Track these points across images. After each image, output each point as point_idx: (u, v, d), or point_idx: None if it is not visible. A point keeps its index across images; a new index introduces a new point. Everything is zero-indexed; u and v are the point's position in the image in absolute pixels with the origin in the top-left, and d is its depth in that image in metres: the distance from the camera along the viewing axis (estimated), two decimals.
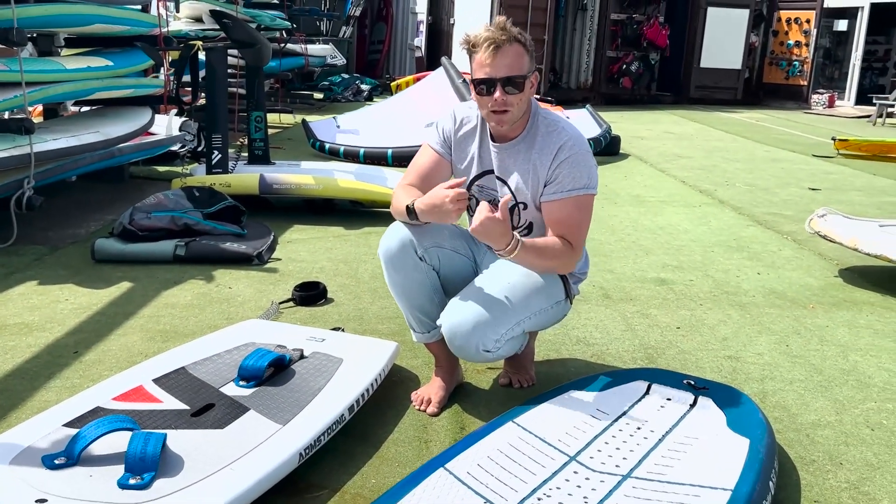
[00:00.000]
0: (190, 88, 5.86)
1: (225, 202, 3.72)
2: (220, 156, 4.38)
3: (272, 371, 2.02)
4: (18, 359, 2.34)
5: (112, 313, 2.74)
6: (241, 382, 1.96)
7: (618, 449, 1.71)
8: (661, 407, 1.93)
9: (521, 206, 2.05)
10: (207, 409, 1.82)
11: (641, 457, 1.68)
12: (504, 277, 1.98)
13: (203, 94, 5.15)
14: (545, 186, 1.99)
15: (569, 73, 13.90)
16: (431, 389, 2.16)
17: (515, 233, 1.91)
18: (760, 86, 14.94)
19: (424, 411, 2.10)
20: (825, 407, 2.21)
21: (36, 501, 1.42)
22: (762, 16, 14.72)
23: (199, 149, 6.02)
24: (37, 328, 2.58)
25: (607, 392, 1.99)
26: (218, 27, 5.49)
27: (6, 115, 4.01)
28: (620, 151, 7.22)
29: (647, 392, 2.00)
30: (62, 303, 2.82)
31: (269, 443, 1.67)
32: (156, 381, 1.96)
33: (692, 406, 1.93)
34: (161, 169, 5.45)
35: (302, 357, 2.14)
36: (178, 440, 1.65)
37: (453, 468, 1.60)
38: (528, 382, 2.27)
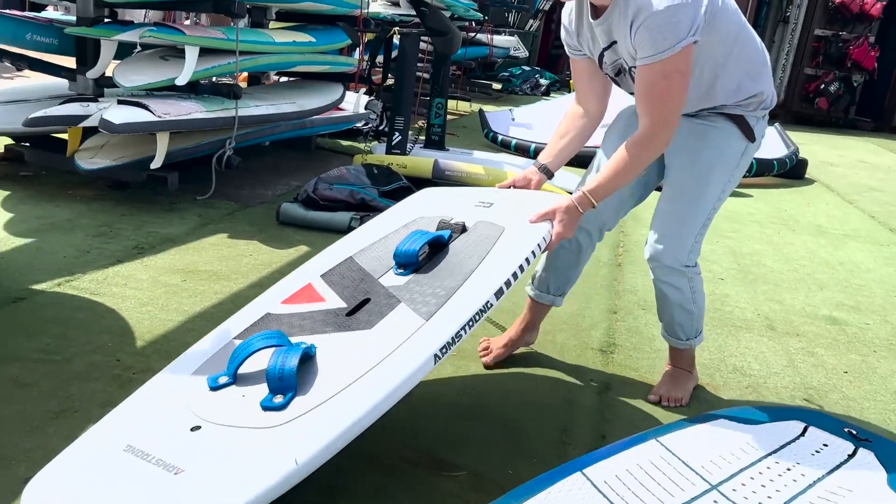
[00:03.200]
0: (380, 69, 6.13)
1: (400, 182, 3.89)
2: (400, 137, 4.57)
3: (427, 253, 1.90)
4: (206, 303, 2.59)
5: (289, 272, 2.93)
6: (399, 270, 1.86)
7: (763, 486, 1.67)
8: (816, 452, 1.85)
9: (633, 70, 1.94)
10: (363, 305, 1.76)
11: (787, 499, 1.63)
12: (670, 188, 2.08)
13: (391, 77, 5.40)
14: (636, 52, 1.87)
15: None
16: (498, 342, 2.38)
17: (575, 194, 1.96)
18: None
19: (481, 358, 2.34)
20: None
21: (191, 430, 1.46)
22: None
23: (381, 128, 6.30)
24: (223, 277, 2.83)
25: (760, 427, 1.93)
26: (413, 13, 5.70)
27: (217, 80, 4.39)
28: (806, 176, 6.82)
29: (802, 434, 1.92)
30: (247, 257, 3.08)
31: (408, 344, 1.58)
32: (323, 276, 1.92)
33: (850, 457, 1.84)
34: (344, 143, 5.75)
35: (463, 230, 2.00)
36: (327, 347, 1.63)
37: (591, 475, 1.62)
38: (678, 403, 2.25)
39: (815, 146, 9.41)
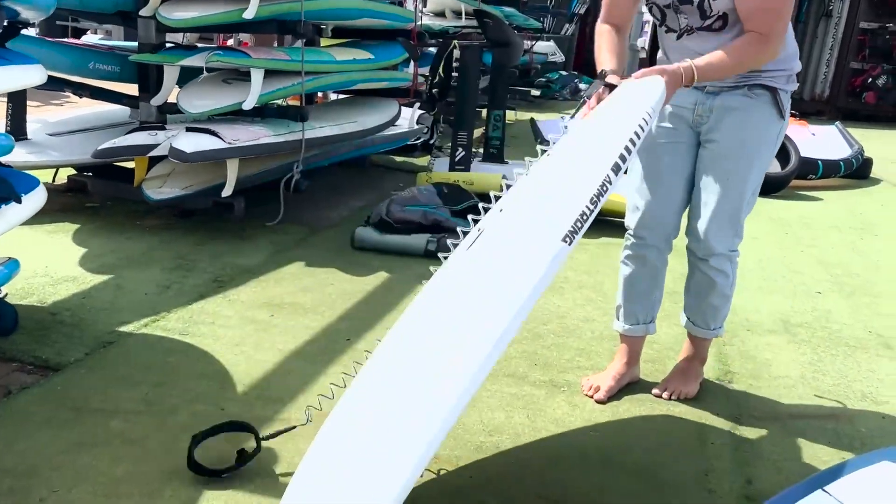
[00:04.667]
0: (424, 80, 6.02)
1: (471, 201, 3.76)
2: (464, 153, 4.44)
3: None
4: (299, 339, 2.47)
5: (375, 302, 2.84)
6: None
7: None
8: None
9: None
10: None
11: None
12: (713, 174, 2.06)
13: (439, 87, 5.28)
14: None
15: (803, 83, 12.92)
16: (605, 377, 2.27)
17: (684, 62, 1.86)
18: None
19: (591, 397, 2.21)
20: None
21: None
22: None
23: (431, 142, 6.19)
24: (310, 310, 2.72)
25: None
26: (467, 24, 5.58)
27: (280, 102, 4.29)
28: (871, 175, 6.58)
29: None
30: (329, 287, 2.96)
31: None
32: None
33: None
34: (398, 159, 5.64)
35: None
36: None
37: None
38: (687, 396, 2.22)
39: (868, 143, 9.08)
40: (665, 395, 2.25)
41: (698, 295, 2.21)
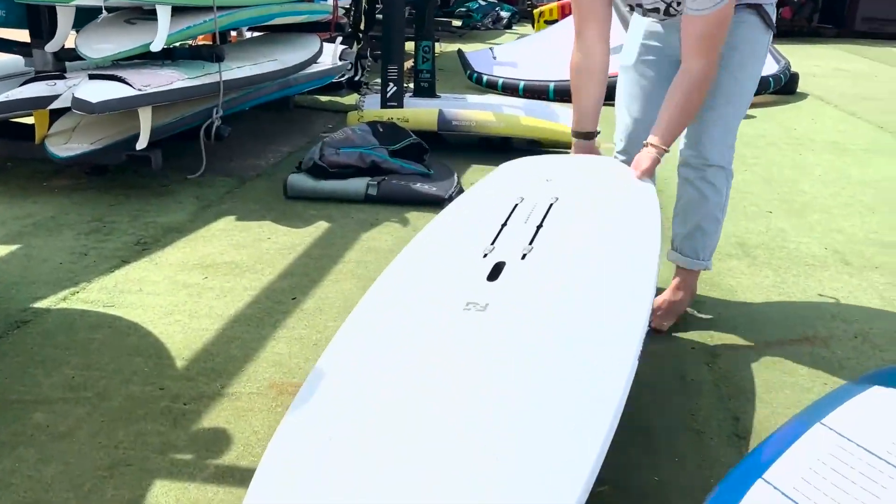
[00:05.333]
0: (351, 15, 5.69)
1: (409, 139, 3.54)
2: (395, 88, 4.19)
3: None
4: (239, 303, 2.26)
5: (317, 255, 2.63)
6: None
7: None
8: None
9: (671, 8, 1.94)
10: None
11: None
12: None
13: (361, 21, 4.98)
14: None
15: None
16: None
17: (649, 146, 1.91)
18: None
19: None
20: None
21: None
22: None
23: (357, 78, 5.89)
24: (248, 269, 2.49)
25: None
26: None
27: (193, 43, 3.94)
28: (797, 90, 6.61)
29: None
30: (265, 242, 2.73)
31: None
32: None
33: None
34: (324, 98, 5.34)
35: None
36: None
37: (775, 481, 1.37)
38: (656, 326, 2.16)
39: (789, 58, 9.21)
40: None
41: (687, 217, 2.16)
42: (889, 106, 6.22)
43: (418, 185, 3.24)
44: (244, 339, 2.04)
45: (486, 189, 1.98)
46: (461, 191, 3.35)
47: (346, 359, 1.37)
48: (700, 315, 2.28)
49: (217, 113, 3.40)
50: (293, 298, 2.29)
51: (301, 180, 3.21)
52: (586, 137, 2.08)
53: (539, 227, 1.66)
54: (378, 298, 1.53)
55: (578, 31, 2.02)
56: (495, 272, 1.50)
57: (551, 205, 1.75)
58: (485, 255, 1.56)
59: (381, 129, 3.54)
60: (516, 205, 1.77)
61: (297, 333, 2.08)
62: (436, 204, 3.17)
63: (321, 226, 2.91)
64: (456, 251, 1.65)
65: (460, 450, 1.12)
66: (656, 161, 1.91)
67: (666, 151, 1.93)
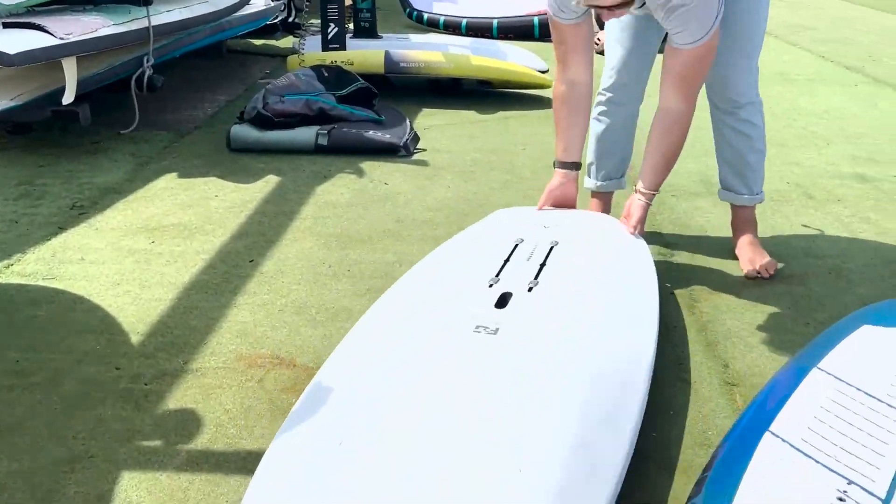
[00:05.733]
0: None
1: (357, 84, 3.37)
2: (336, 29, 3.98)
3: None
4: (192, 268, 2.10)
5: (271, 213, 2.48)
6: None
7: None
8: None
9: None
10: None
11: None
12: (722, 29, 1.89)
13: None
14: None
15: None
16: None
17: (638, 193, 1.98)
18: None
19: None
20: None
21: None
22: None
23: (291, 19, 5.61)
24: (198, 230, 2.33)
25: None
26: None
27: None
28: None
29: None
30: (212, 200, 2.56)
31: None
32: None
33: None
34: (258, 42, 5.07)
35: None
36: None
37: (782, 433, 1.33)
38: (774, 269, 2.15)
39: None
40: (751, 271, 2.14)
41: (733, 157, 2.18)
42: (827, 35, 6.25)
43: (371, 132, 3.08)
44: (203, 307, 1.90)
45: (482, 231, 1.99)
46: (416, 137, 3.21)
47: (352, 366, 1.37)
48: (673, 260, 2.23)
49: (148, 62, 3.17)
50: (251, 261, 2.15)
51: (245, 131, 3.02)
52: (573, 168, 2.06)
53: (542, 265, 1.67)
54: (382, 313, 1.56)
55: (563, 63, 2.00)
56: (502, 301, 1.51)
57: (552, 247, 1.76)
58: (490, 286, 1.56)
59: (326, 74, 3.36)
60: (517, 245, 1.77)
61: (259, 299, 1.95)
62: (391, 152, 3.03)
63: (271, 180, 2.74)
64: (459, 279, 1.66)
65: (473, 462, 1.12)
66: (646, 208, 1.99)
67: (655, 194, 2.00)
